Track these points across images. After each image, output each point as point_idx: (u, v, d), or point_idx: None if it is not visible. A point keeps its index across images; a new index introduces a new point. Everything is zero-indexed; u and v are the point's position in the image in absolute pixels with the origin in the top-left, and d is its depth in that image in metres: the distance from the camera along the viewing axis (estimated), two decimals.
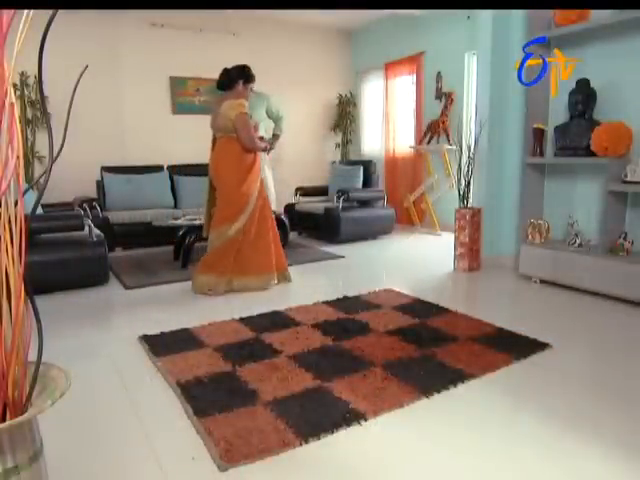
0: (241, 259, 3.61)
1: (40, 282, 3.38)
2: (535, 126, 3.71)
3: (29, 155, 5.37)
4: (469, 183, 4.18)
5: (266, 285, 3.68)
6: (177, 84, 6.27)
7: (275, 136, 5.24)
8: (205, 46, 6.34)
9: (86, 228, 3.79)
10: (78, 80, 1.10)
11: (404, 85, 6.65)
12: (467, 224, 4.11)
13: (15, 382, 1.05)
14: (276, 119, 5.16)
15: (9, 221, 1.01)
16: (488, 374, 2.19)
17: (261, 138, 3.80)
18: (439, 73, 6.05)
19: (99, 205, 5.13)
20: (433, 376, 2.16)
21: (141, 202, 5.45)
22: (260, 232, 3.65)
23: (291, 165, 7.03)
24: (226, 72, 3.72)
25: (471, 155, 4.15)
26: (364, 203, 5.76)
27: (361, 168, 6.11)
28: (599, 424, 1.79)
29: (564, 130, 3.56)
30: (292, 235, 5.59)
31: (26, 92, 5.35)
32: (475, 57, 5.35)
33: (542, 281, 3.72)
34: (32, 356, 1.09)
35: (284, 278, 3.87)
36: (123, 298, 3.59)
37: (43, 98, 1.20)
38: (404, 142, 6.69)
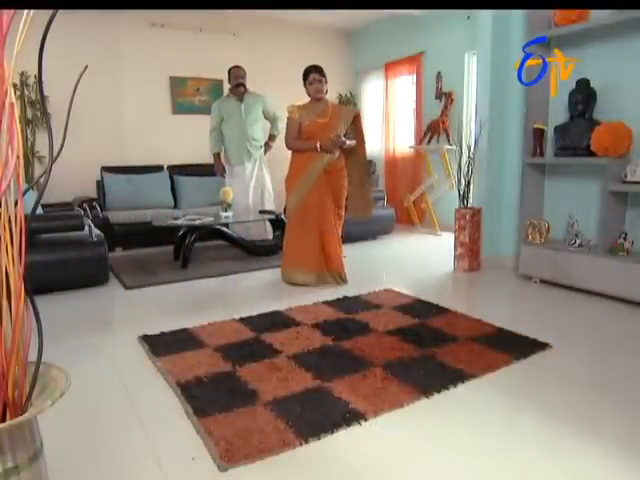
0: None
1: (40, 282, 3.38)
2: (535, 126, 3.71)
3: (29, 155, 5.37)
4: (469, 183, 4.18)
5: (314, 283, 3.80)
6: (177, 84, 6.26)
7: (272, 136, 5.27)
8: (205, 46, 6.33)
9: (86, 228, 3.79)
10: (78, 80, 1.10)
11: (404, 85, 6.65)
12: (467, 224, 4.11)
13: (15, 382, 1.05)
14: (273, 120, 5.19)
15: (9, 221, 1.01)
16: (488, 374, 2.19)
17: (336, 138, 3.68)
18: (439, 73, 6.05)
19: (99, 205, 5.14)
20: (433, 376, 2.16)
21: (141, 202, 5.45)
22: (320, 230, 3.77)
23: None
24: None
25: (471, 155, 4.15)
26: None
27: None
28: (599, 424, 1.79)
29: (564, 130, 3.56)
30: None
31: (26, 92, 5.34)
32: (475, 57, 5.35)
33: (542, 281, 3.72)
34: (32, 356, 1.09)
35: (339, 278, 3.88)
36: (123, 298, 3.59)
37: (43, 98, 1.19)
38: (404, 142, 6.68)
